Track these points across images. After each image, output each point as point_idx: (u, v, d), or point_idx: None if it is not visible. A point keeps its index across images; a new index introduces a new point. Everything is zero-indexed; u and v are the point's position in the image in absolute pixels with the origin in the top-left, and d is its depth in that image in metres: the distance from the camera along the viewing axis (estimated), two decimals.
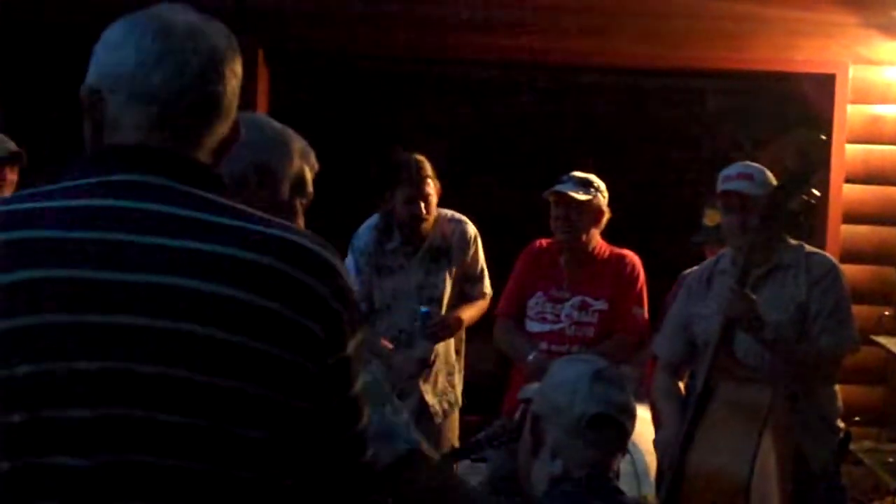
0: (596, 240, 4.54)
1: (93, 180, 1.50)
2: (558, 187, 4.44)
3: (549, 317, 4.47)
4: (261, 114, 2.18)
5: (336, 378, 1.52)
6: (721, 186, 3.75)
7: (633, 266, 4.54)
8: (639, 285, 4.53)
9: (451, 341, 4.78)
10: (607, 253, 4.56)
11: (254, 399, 1.45)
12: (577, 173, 4.50)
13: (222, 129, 1.58)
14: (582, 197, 4.40)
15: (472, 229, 4.78)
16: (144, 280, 1.44)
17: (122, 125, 1.52)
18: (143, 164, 1.50)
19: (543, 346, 4.43)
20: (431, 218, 4.67)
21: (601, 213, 4.50)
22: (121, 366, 1.42)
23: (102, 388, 1.42)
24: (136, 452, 1.42)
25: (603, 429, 2.25)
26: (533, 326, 4.51)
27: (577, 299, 4.45)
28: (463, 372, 4.91)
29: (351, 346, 1.53)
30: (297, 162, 2.12)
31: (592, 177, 4.50)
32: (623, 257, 4.56)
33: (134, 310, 1.43)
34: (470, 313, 4.74)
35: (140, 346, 1.42)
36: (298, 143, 2.14)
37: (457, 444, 4.72)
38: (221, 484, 1.45)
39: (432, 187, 4.63)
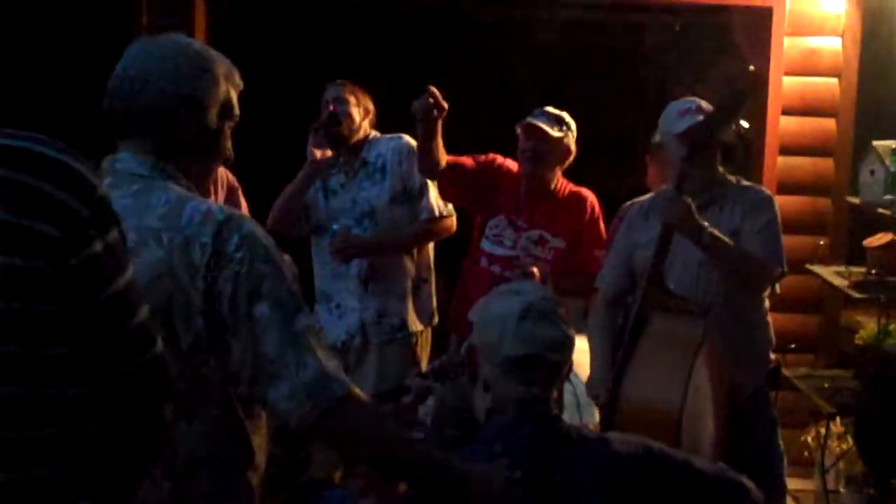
0: (558, 177, 4.55)
1: None
2: (531, 119, 4.43)
3: (506, 241, 4.49)
4: (178, 36, 2.13)
5: (85, 278, 1.50)
6: (683, 121, 3.75)
7: (593, 207, 4.56)
8: (599, 227, 4.56)
9: (403, 266, 4.74)
10: (567, 191, 4.57)
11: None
12: (550, 109, 4.50)
13: None
14: (555, 133, 4.42)
15: (407, 141, 4.71)
16: None
17: None
18: None
19: (496, 269, 4.45)
20: (350, 125, 4.64)
21: (568, 152, 4.51)
22: None
23: None
24: None
25: (532, 367, 2.29)
26: (487, 246, 4.53)
27: (534, 233, 4.46)
28: (431, 296, 4.86)
29: (98, 245, 1.51)
30: (223, 86, 2.11)
31: (564, 115, 4.50)
32: (583, 197, 4.57)
33: None
34: (390, 235, 4.70)
35: None
36: (222, 65, 2.12)
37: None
38: None
39: (353, 98, 4.64)
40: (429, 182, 4.69)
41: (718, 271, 3.60)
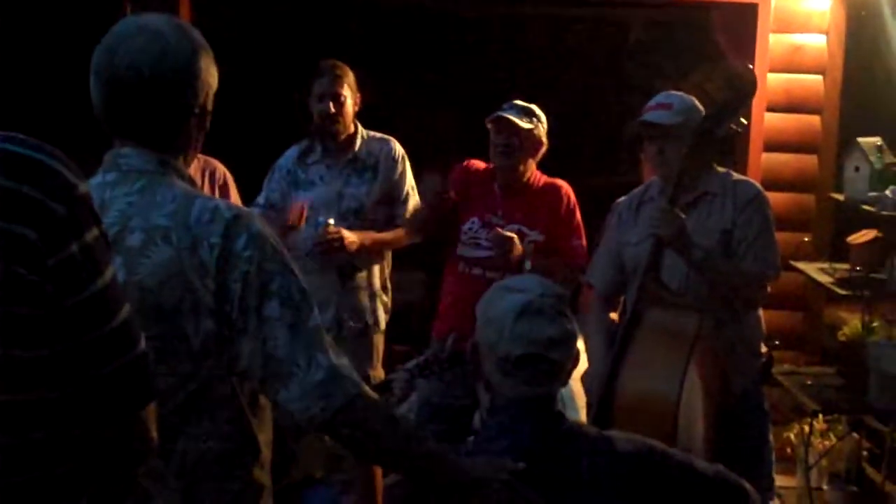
0: (532, 170, 4.54)
1: None
2: (501, 113, 4.42)
3: (483, 242, 4.44)
4: (166, 19, 2.08)
5: (63, 279, 1.47)
6: (641, 117, 3.79)
7: (569, 197, 4.54)
8: (576, 217, 4.54)
9: (376, 266, 4.75)
10: (542, 182, 4.55)
11: None
12: (519, 102, 4.49)
13: None
14: (525, 125, 4.40)
15: (399, 148, 4.76)
16: None
17: None
18: None
19: (477, 271, 4.43)
20: (347, 122, 4.65)
21: (540, 143, 4.50)
22: None
23: None
24: None
25: (530, 366, 2.26)
26: (466, 251, 4.49)
27: (512, 227, 4.42)
28: (390, 298, 4.86)
29: (76, 245, 1.48)
30: (215, 77, 2.09)
31: (534, 107, 4.49)
32: (558, 188, 4.54)
33: None
34: (381, 237, 4.69)
35: None
36: (210, 53, 2.08)
37: (381, 370, 4.72)
38: None
39: (348, 91, 4.63)
40: (413, 190, 4.73)
41: (707, 287, 3.61)
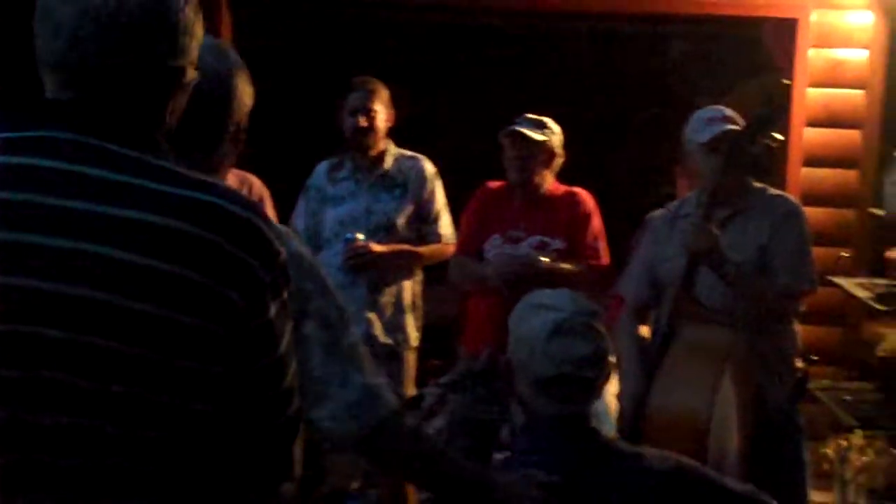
0: (549, 181, 4.57)
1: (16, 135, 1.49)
2: (513, 127, 4.47)
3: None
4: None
5: (258, 342, 1.51)
6: (709, 129, 3.75)
7: (586, 202, 4.57)
8: (595, 221, 4.56)
9: (406, 282, 4.75)
10: (560, 192, 4.59)
11: (165, 366, 1.44)
12: (531, 115, 4.53)
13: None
14: (537, 137, 4.44)
15: (430, 167, 4.78)
16: (58, 245, 1.43)
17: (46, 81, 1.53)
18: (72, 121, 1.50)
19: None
20: (378, 138, 4.68)
21: (554, 154, 4.54)
22: (29, 329, 1.43)
23: (10, 350, 1.43)
24: (43, 414, 1.43)
25: (564, 385, 2.27)
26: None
27: (534, 239, 4.46)
28: (421, 315, 4.86)
29: (273, 309, 1.52)
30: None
31: (547, 119, 4.53)
32: (575, 195, 4.58)
33: (45, 274, 1.42)
34: (412, 249, 4.70)
35: (49, 311, 1.42)
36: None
37: (413, 387, 4.72)
38: (137, 447, 1.46)
39: (381, 107, 4.66)
40: (444, 209, 4.77)
41: (742, 302, 3.61)
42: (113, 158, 1.47)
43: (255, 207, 1.54)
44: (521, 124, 4.48)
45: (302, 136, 7.28)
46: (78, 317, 1.42)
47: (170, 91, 1.59)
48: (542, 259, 4.36)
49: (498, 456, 2.46)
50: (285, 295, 1.55)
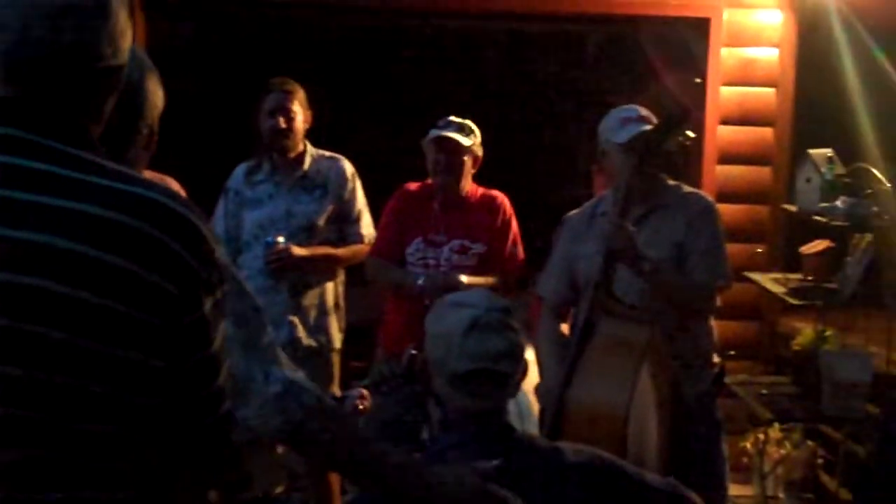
0: (469, 183, 4.59)
1: None
2: (442, 132, 4.45)
3: (430, 261, 4.49)
4: None
5: (192, 337, 1.54)
6: (626, 130, 3.76)
7: (506, 207, 4.60)
8: (513, 226, 4.60)
9: (329, 284, 4.73)
10: (479, 194, 4.61)
11: (105, 356, 1.47)
12: (454, 118, 4.53)
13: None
14: (466, 142, 4.44)
15: (349, 167, 4.75)
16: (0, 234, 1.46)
17: None
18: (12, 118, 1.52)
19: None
20: (297, 139, 4.65)
21: (477, 158, 4.56)
22: None
23: None
24: None
25: (480, 381, 2.27)
26: (415, 272, 4.50)
27: (455, 243, 4.48)
28: (344, 316, 4.84)
29: (208, 305, 1.55)
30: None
31: (468, 121, 4.54)
32: (494, 199, 4.60)
33: None
34: (334, 252, 4.66)
35: None
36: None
37: (337, 389, 4.67)
38: (69, 435, 1.48)
39: (299, 108, 4.62)
40: (365, 208, 4.75)
41: (657, 299, 3.63)
42: (57, 155, 1.50)
43: (193, 207, 1.58)
44: (447, 128, 4.47)
45: (220, 138, 7.20)
46: (17, 304, 1.45)
47: (109, 91, 1.63)
48: (462, 278, 4.36)
49: (417, 455, 2.43)
50: (219, 294, 1.59)
